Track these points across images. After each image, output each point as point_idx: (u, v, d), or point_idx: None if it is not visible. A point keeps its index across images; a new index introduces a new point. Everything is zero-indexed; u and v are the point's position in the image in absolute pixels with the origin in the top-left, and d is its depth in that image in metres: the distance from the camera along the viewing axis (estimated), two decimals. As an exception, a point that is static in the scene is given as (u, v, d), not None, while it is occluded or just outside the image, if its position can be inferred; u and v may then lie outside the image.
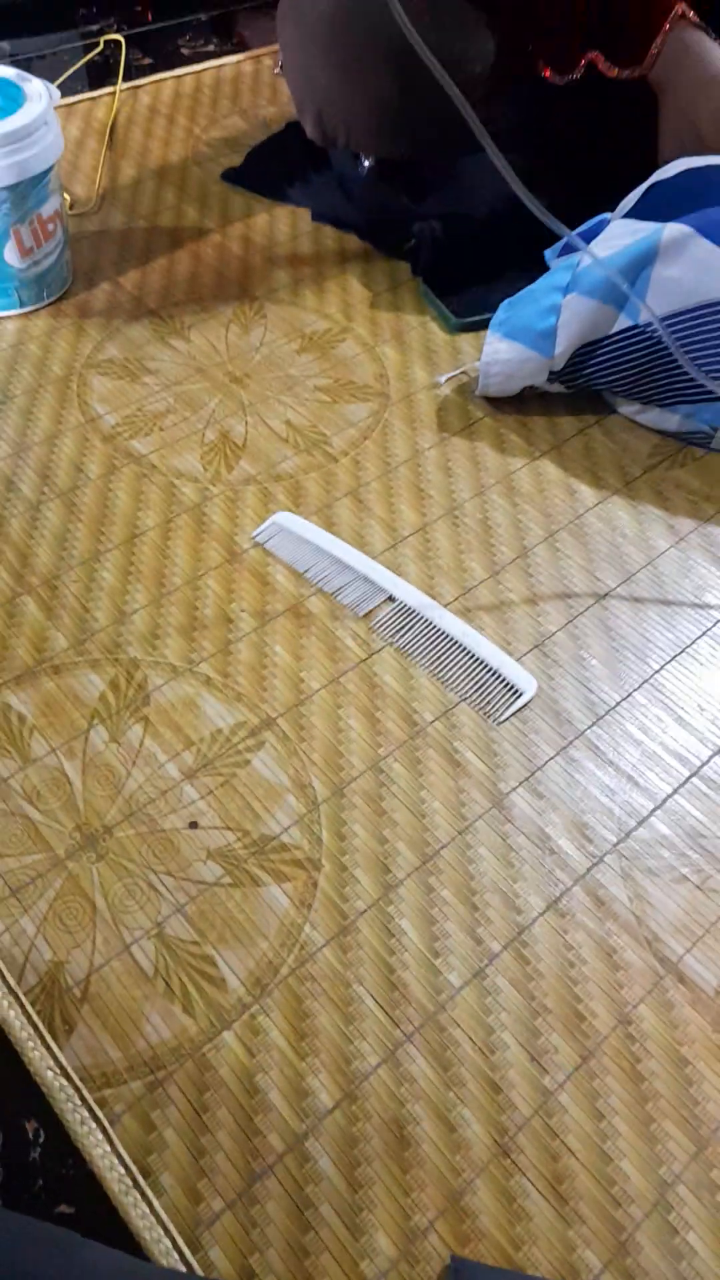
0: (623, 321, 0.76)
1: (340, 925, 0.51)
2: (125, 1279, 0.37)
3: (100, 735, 0.57)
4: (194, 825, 0.54)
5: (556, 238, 0.80)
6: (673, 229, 0.74)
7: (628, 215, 0.79)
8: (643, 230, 0.75)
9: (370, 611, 0.65)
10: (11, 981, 0.47)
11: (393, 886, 0.52)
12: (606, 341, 0.77)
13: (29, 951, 0.49)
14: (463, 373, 0.83)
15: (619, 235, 0.77)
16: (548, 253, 0.86)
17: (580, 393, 0.80)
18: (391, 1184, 0.43)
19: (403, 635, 0.64)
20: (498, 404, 0.81)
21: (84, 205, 0.98)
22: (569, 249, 0.80)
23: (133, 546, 0.68)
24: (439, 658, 0.63)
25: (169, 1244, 0.40)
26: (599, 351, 0.77)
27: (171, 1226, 0.41)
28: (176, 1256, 0.40)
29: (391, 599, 0.66)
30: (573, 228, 0.80)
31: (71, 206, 0.97)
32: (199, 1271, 0.40)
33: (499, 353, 0.78)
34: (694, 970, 0.51)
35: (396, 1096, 0.46)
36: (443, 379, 0.82)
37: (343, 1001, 0.48)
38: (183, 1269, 0.40)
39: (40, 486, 0.71)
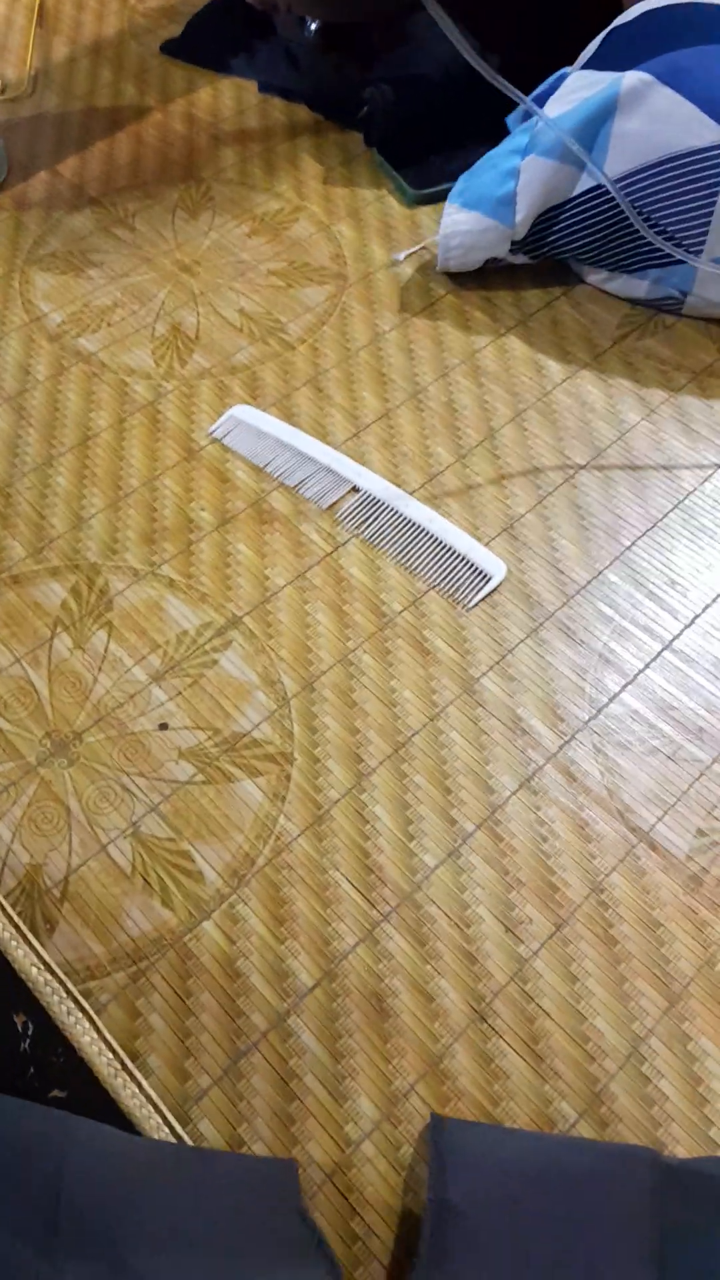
0: (585, 182, 0.75)
1: (314, 815, 0.53)
2: (116, 1150, 0.40)
3: (64, 643, 0.59)
4: (164, 727, 0.55)
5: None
6: (632, 78, 0.72)
7: (585, 66, 0.77)
8: (601, 82, 0.74)
9: (334, 504, 0.66)
10: (-9, 885, 0.49)
11: (365, 775, 0.55)
12: (568, 205, 0.76)
13: (5, 856, 0.51)
14: (422, 248, 0.82)
15: (576, 89, 0.75)
16: (510, 119, 0.84)
17: (546, 263, 0.79)
18: (372, 1053, 0.46)
19: (368, 526, 0.65)
20: (460, 280, 0.80)
21: (16, 89, 0.95)
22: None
23: (86, 449, 0.68)
24: (406, 547, 0.64)
25: (159, 1119, 0.43)
26: (561, 216, 0.76)
27: (161, 1103, 0.44)
28: (167, 1131, 0.43)
29: (356, 489, 0.67)
30: (536, 85, 0.78)
31: (2, 91, 0.95)
32: (189, 1143, 0.43)
33: (458, 224, 0.77)
34: (665, 837, 0.53)
35: (375, 972, 0.48)
36: (401, 256, 0.82)
37: (319, 887, 0.51)
38: (173, 1141, 0.43)
39: (-12, 393, 0.71)
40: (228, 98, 0.95)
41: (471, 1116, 0.45)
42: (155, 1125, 0.43)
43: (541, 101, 0.76)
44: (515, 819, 0.54)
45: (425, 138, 0.89)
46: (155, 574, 0.62)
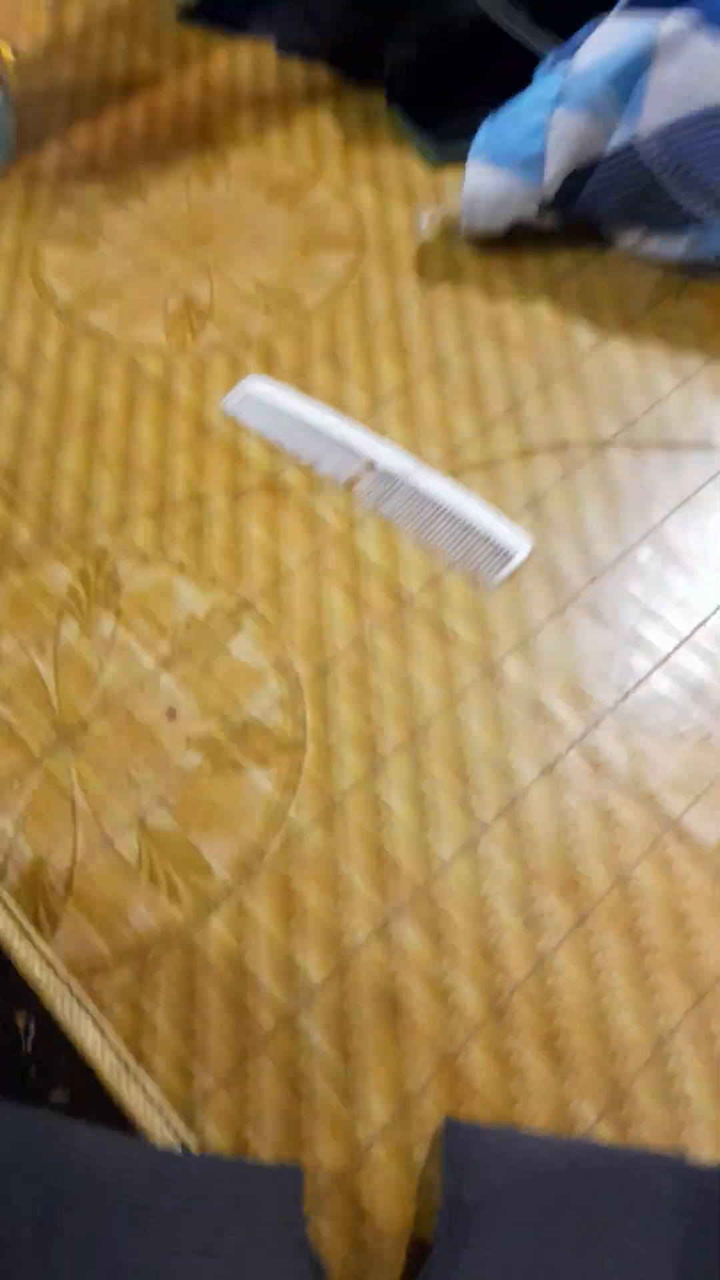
0: (619, 137, 0.73)
1: (326, 805, 0.53)
2: (118, 1160, 0.40)
3: (71, 629, 0.59)
4: (172, 715, 0.55)
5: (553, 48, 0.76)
6: (673, 20, 0.69)
7: (623, 10, 0.74)
8: (638, 26, 0.71)
9: (351, 480, 0.65)
10: (-6, 879, 0.50)
11: (379, 764, 0.54)
12: (602, 162, 0.74)
13: (9, 850, 0.51)
14: (446, 211, 0.81)
15: (612, 35, 0.72)
16: (538, 71, 0.81)
17: (576, 227, 0.78)
18: (384, 1052, 0.46)
19: (386, 503, 0.65)
20: (486, 245, 0.79)
21: (28, 59, 0.95)
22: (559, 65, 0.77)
23: (96, 429, 0.68)
24: (426, 524, 0.64)
25: (164, 1121, 0.43)
26: (594, 174, 0.74)
27: (166, 1106, 0.44)
28: (171, 1134, 0.43)
29: (373, 465, 0.66)
30: (569, 34, 0.76)
31: (15, 58, 0.95)
32: (192, 1146, 0.43)
33: (483, 182, 0.76)
34: (694, 826, 0.52)
35: (387, 969, 0.48)
36: (424, 219, 0.80)
37: (330, 880, 0.50)
38: (178, 1146, 0.43)
39: (-5, 373, 0.71)
40: (244, 63, 0.94)
41: (487, 1117, 0.44)
42: (160, 1126, 0.43)
43: (573, 50, 0.74)
44: (536, 808, 0.53)
45: (450, 95, 0.87)
46: (165, 557, 0.62)
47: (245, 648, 0.58)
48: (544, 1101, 0.45)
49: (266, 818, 0.52)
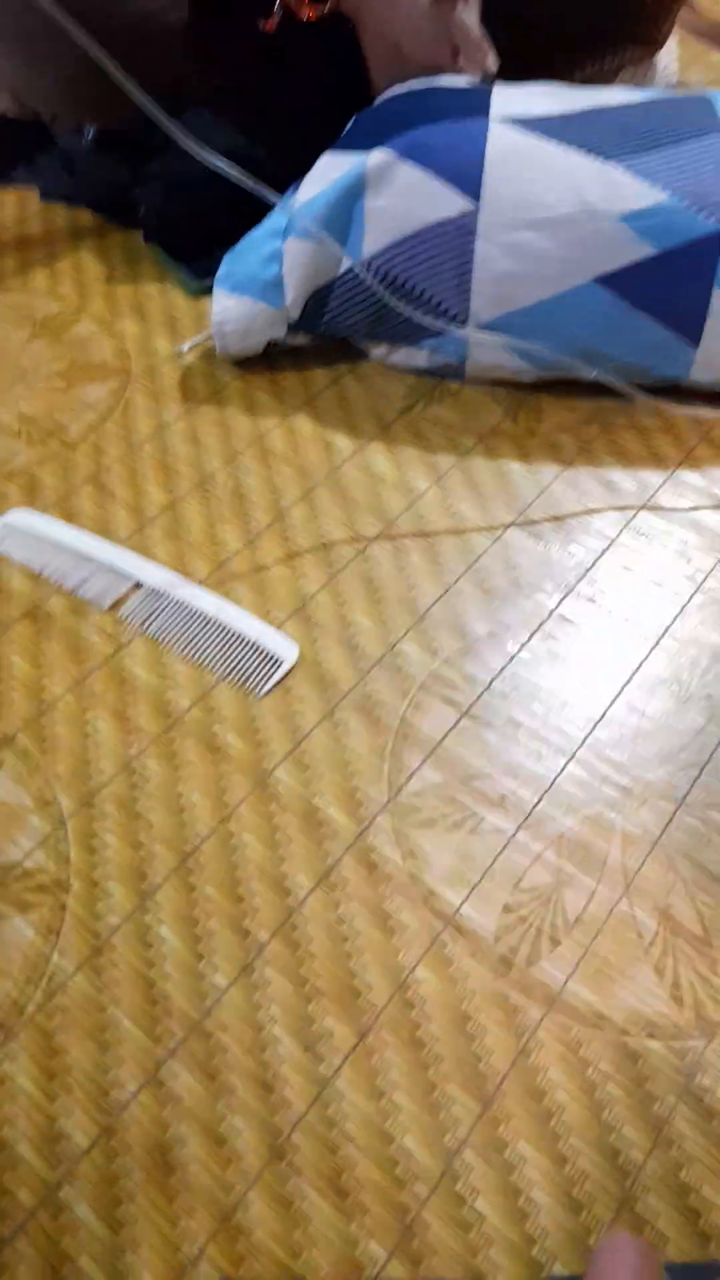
0: (345, 262, 0.72)
1: (92, 946, 0.47)
2: None
3: None
4: None
5: (291, 183, 0.76)
6: (376, 156, 0.70)
7: (335, 149, 0.74)
8: (348, 162, 0.71)
9: (117, 602, 0.61)
10: None
11: (150, 893, 0.48)
12: (336, 284, 0.73)
13: None
14: (207, 337, 0.78)
15: (327, 170, 0.73)
16: (277, 205, 0.80)
17: (330, 341, 0.76)
18: (157, 1216, 0.39)
19: (153, 621, 0.60)
20: (247, 364, 0.76)
21: None
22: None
23: None
24: (194, 639, 0.59)
25: None
26: (331, 295, 0.73)
27: None
28: None
29: (139, 585, 0.61)
30: (305, 173, 0.76)
31: None
32: None
33: (228, 310, 0.74)
34: (471, 919, 0.48)
35: (160, 1121, 0.42)
36: (185, 346, 0.78)
37: (97, 1029, 0.44)
38: None
39: None
40: (8, 210, 0.91)
41: (270, 1274, 0.38)
42: None
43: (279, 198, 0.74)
44: (313, 921, 0.48)
45: (201, 229, 0.86)
46: None
47: (4, 786, 0.52)
48: (330, 1247, 0.39)
49: (27, 969, 0.46)
